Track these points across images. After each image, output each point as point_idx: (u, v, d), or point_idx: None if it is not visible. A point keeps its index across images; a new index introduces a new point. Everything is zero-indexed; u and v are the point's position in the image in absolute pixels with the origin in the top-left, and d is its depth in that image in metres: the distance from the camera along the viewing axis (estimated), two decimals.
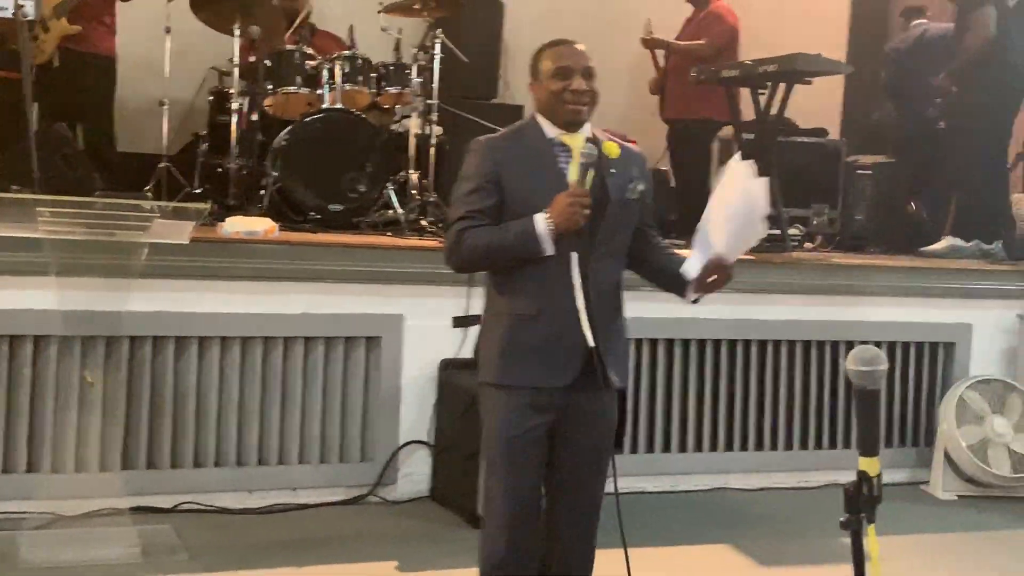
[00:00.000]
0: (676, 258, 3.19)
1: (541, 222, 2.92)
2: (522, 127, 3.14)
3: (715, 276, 3.07)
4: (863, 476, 2.10)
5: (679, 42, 7.29)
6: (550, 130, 3.05)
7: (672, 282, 3.18)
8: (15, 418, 4.42)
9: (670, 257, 3.22)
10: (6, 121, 5.35)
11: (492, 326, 3.10)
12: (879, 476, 2.12)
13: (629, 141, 3.32)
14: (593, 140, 3.03)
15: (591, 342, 2.96)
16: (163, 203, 4.49)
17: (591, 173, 2.96)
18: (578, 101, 3.01)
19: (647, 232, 3.22)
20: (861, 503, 2.09)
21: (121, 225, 4.09)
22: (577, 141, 2.99)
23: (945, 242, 6.57)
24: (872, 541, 2.10)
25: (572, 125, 3.04)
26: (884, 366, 2.19)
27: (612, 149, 3.07)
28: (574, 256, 2.97)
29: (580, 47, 3.08)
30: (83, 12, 5.86)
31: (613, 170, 3.05)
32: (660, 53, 7.53)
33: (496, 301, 3.11)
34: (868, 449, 2.14)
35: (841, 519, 2.10)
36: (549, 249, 2.93)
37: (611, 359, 3.05)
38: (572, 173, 2.96)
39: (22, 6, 4.50)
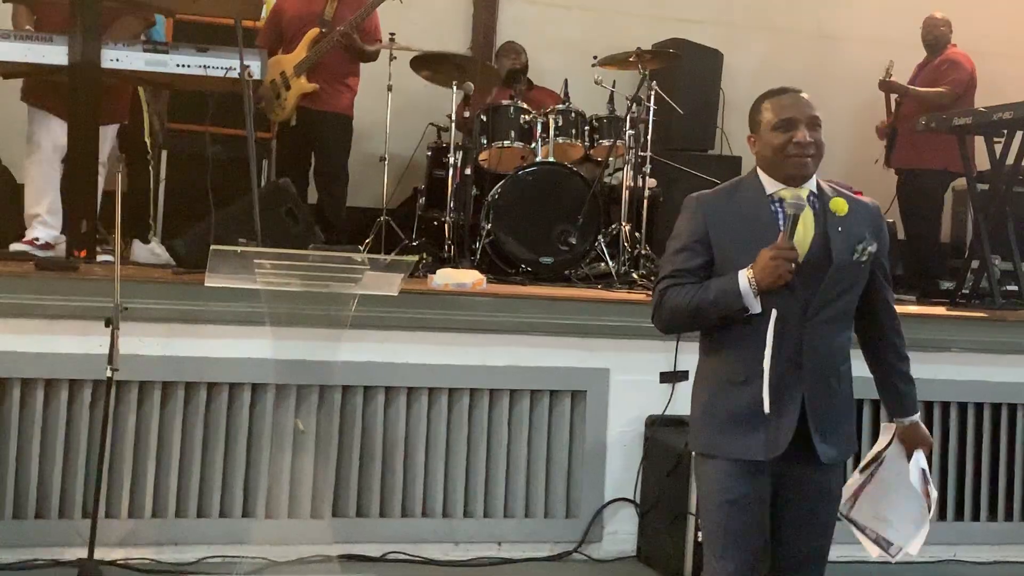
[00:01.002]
0: (900, 390, 3.08)
1: (743, 278, 2.80)
2: (741, 182, 3.01)
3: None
4: None
5: (918, 88, 7.00)
6: (770, 185, 2.90)
7: (885, 400, 3.15)
8: (232, 463, 4.57)
9: (894, 385, 3.09)
10: (239, 177, 5.61)
11: (699, 391, 3.02)
12: None
13: (854, 192, 3.16)
14: (818, 194, 2.88)
15: (767, 409, 2.81)
16: (375, 256, 4.59)
17: (802, 224, 2.82)
18: (802, 154, 2.85)
19: (879, 302, 3.02)
20: None
21: (334, 277, 4.20)
22: (797, 195, 2.84)
23: None
24: None
25: (795, 180, 2.87)
26: None
27: (840, 206, 2.88)
28: (773, 314, 2.82)
29: (804, 96, 2.92)
30: (324, 72, 6.08)
31: (840, 228, 2.87)
32: (893, 98, 7.26)
33: (704, 364, 3.03)
34: None
35: None
36: (754, 307, 2.81)
37: (825, 432, 2.88)
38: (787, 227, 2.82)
39: (247, 66, 4.71)
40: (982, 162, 6.08)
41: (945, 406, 5.21)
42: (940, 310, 5.56)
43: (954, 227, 7.82)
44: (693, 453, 3.07)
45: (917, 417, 3.11)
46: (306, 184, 6.17)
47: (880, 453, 3.10)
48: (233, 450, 4.56)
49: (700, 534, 3.10)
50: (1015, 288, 5.94)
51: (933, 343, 5.06)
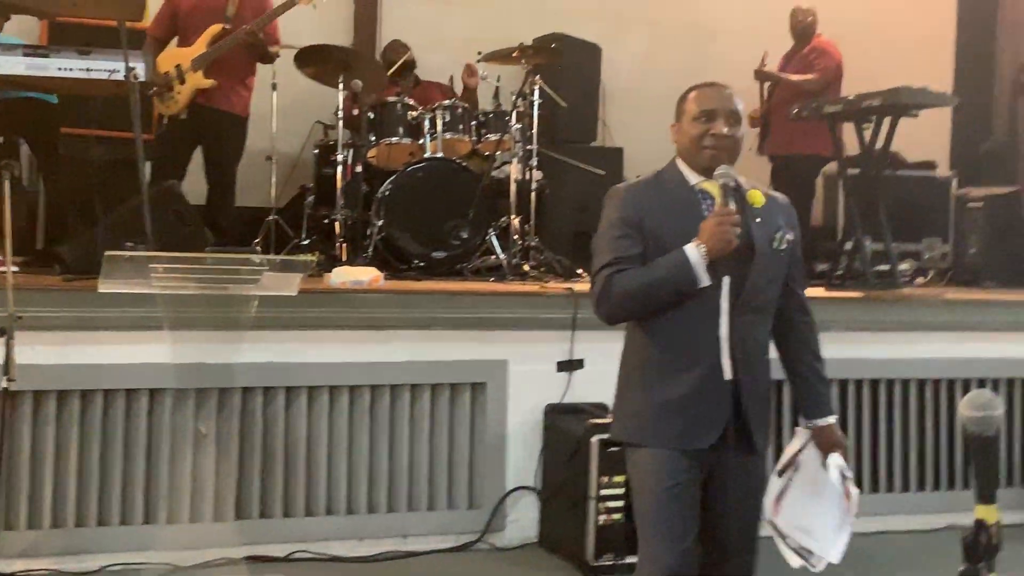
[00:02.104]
0: (817, 390, 3.08)
1: (693, 250, 2.80)
2: (662, 173, 3.02)
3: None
4: (981, 524, 2.02)
5: (791, 76, 7.22)
6: (692, 177, 2.95)
7: (800, 400, 3.14)
8: (132, 470, 4.51)
9: (812, 386, 3.08)
10: (123, 179, 5.52)
11: (630, 379, 3.01)
12: (998, 523, 2.03)
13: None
14: (735, 188, 2.91)
15: (727, 374, 2.85)
16: (272, 256, 4.58)
17: (732, 200, 2.85)
18: (717, 146, 2.91)
19: (793, 298, 3.05)
20: (980, 552, 2.01)
21: (232, 279, 4.19)
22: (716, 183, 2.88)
23: None
24: None
25: (711, 172, 2.91)
26: (1000, 411, 2.11)
27: (757, 197, 2.94)
28: (725, 281, 2.84)
29: (729, 91, 2.98)
30: (222, 70, 5.96)
31: (759, 219, 2.92)
32: (766, 87, 7.46)
33: (634, 354, 3.01)
34: (985, 496, 2.06)
35: (960, 569, 2.02)
36: (704, 279, 2.81)
37: (756, 420, 2.93)
38: (717, 198, 2.85)
39: (133, 69, 4.64)
40: (853, 147, 6.33)
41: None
42: (819, 291, 5.76)
43: (826, 211, 8.09)
44: (622, 445, 3.03)
45: (833, 419, 3.09)
46: (182, 180, 6.05)
47: (794, 457, 3.07)
48: (132, 456, 4.51)
49: (636, 524, 3.01)
50: (887, 268, 6.18)
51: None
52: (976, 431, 2.11)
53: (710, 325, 2.86)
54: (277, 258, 4.44)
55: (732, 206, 2.83)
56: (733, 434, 2.87)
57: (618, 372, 3.07)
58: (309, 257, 4.24)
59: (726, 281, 2.85)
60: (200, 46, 5.91)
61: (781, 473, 3.07)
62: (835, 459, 3.02)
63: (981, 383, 5.58)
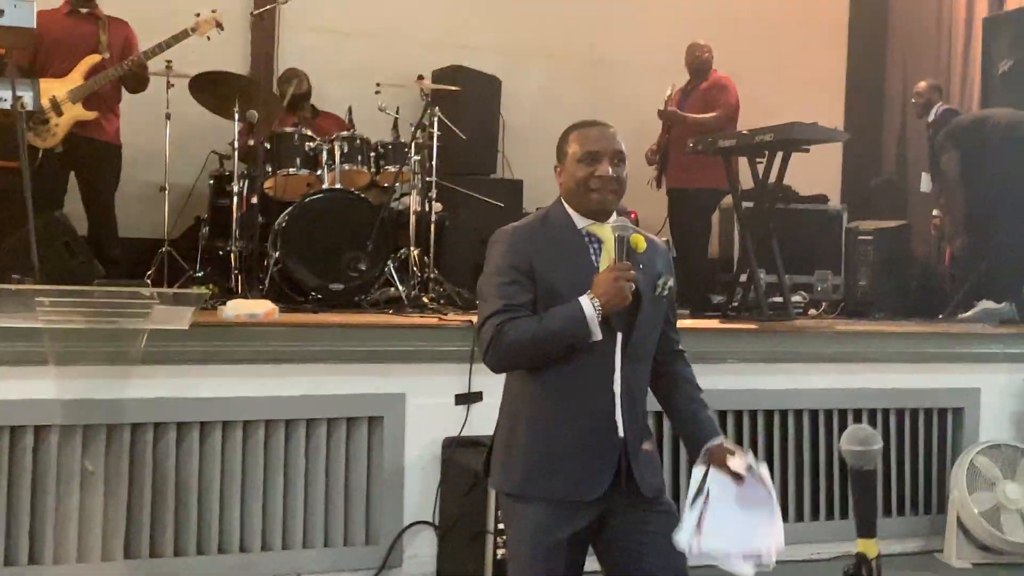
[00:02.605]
0: (699, 417, 3.02)
1: (588, 304, 2.73)
2: (548, 215, 2.94)
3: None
4: (861, 559, 2.05)
5: (695, 116, 7.31)
6: (579, 220, 2.89)
7: (688, 431, 3.06)
8: (16, 510, 4.36)
9: (694, 413, 3.03)
10: (8, 210, 5.37)
11: (512, 427, 2.92)
12: (879, 558, 2.06)
13: (628, 213, 3.27)
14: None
15: (621, 431, 2.80)
16: (163, 290, 4.50)
17: (607, 256, 2.80)
18: (604, 188, 2.84)
19: (669, 339, 3.03)
20: None
21: (121, 313, 4.11)
22: (608, 231, 2.82)
23: (980, 306, 6.58)
24: None
25: (599, 214, 2.87)
26: (878, 445, 2.15)
27: (639, 243, 2.87)
28: (619, 338, 2.80)
29: (612, 129, 2.91)
30: (96, 100, 5.90)
31: (641, 265, 2.86)
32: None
33: (517, 400, 2.92)
34: (866, 530, 2.09)
35: None
36: (598, 333, 2.74)
37: (643, 466, 2.87)
38: (606, 252, 2.81)
39: (20, 97, 4.53)
40: (749, 181, 6.45)
41: (722, 414, 5.46)
42: (714, 323, 5.84)
43: (722, 243, 8.23)
44: (500, 492, 2.95)
45: (722, 439, 3.02)
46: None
47: (702, 484, 2.99)
48: (17, 495, 4.36)
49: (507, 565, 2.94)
50: (780, 300, 6.30)
51: (710, 355, 5.25)
52: (856, 465, 2.14)
53: (603, 379, 2.82)
54: (168, 291, 4.35)
55: (627, 260, 2.79)
56: (623, 482, 2.83)
57: (499, 418, 2.99)
58: (202, 290, 4.16)
59: (619, 336, 2.82)
60: (76, 78, 5.80)
61: (692, 504, 2.99)
62: (737, 460, 2.97)
63: (872, 413, 5.72)
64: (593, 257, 2.85)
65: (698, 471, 3.01)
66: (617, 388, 2.82)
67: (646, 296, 2.85)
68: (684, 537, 2.89)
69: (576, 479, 2.80)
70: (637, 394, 2.89)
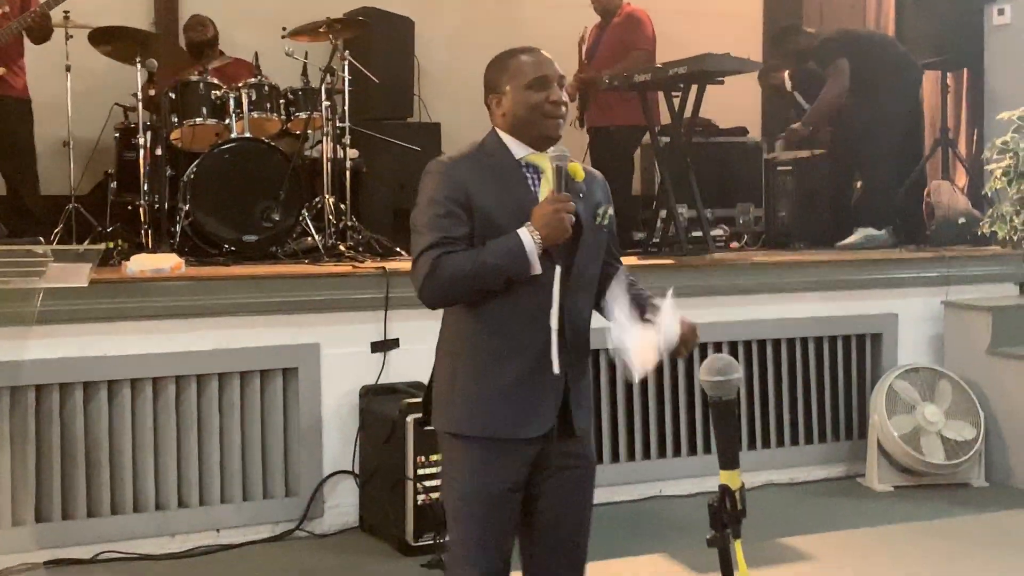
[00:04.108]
0: (635, 287, 2.87)
1: (527, 236, 2.64)
2: (484, 146, 2.81)
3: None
4: (725, 490, 2.00)
5: (615, 70, 7.12)
6: (518, 149, 2.78)
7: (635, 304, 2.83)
8: None
9: (639, 294, 2.87)
10: None
11: (450, 366, 2.81)
12: (742, 488, 2.02)
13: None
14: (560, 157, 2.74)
15: (555, 369, 2.71)
16: (57, 247, 4.37)
17: (547, 184, 2.70)
18: (557, 114, 2.75)
19: (612, 266, 2.93)
20: (725, 518, 1.99)
21: (14, 272, 3.98)
22: (547, 161, 2.71)
23: (859, 233, 6.64)
24: (739, 556, 2.01)
25: (549, 141, 2.76)
26: (738, 375, 2.10)
27: (578, 172, 2.78)
28: (557, 271, 2.71)
29: (548, 55, 2.79)
30: (1, 56, 5.72)
31: (581, 195, 2.78)
32: (584, 56, 7.42)
33: (455, 338, 2.82)
34: (728, 462, 2.05)
35: (707, 537, 2.01)
36: (538, 266, 2.66)
37: (579, 402, 2.80)
38: (546, 182, 2.70)
39: None
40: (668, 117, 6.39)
41: None
42: (633, 259, 5.81)
43: (644, 181, 8.20)
44: (439, 434, 2.85)
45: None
46: None
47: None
48: None
49: (448, 520, 2.84)
50: (700, 234, 6.29)
51: None
52: (716, 395, 2.10)
53: (540, 314, 2.72)
54: (63, 248, 4.22)
55: (565, 191, 2.69)
56: (559, 421, 2.75)
57: (437, 357, 2.89)
58: (98, 247, 4.05)
59: (558, 269, 2.72)
60: None
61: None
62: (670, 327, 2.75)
63: (791, 342, 5.76)
64: (532, 187, 2.75)
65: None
66: (554, 323, 2.71)
67: (587, 225, 2.76)
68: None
69: (516, 416, 2.72)
70: (580, 325, 2.79)
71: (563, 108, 2.77)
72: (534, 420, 2.73)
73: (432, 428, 2.89)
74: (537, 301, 2.72)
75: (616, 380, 5.42)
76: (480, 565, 2.76)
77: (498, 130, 2.82)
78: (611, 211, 2.88)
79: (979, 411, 5.65)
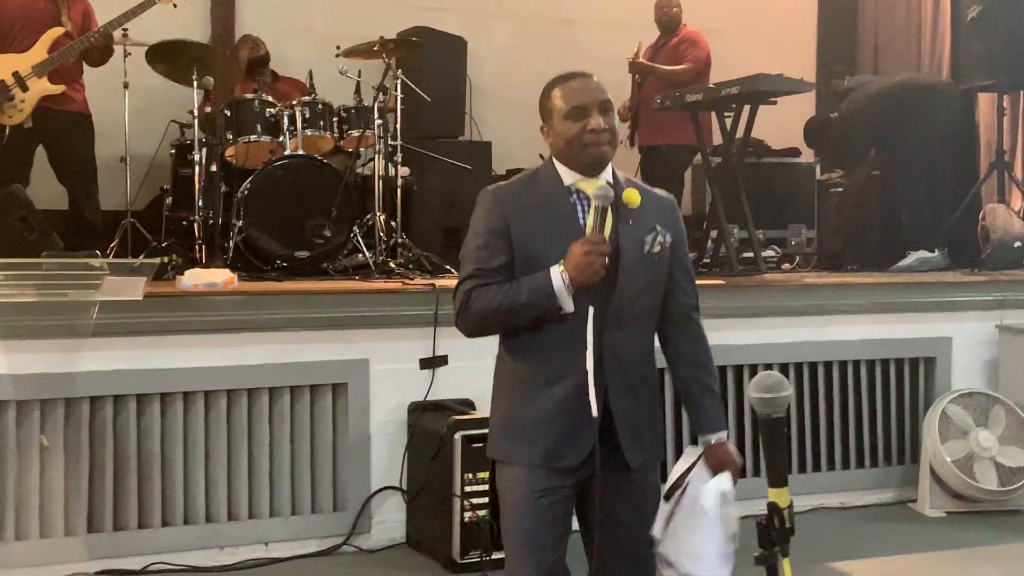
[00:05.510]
0: (700, 391, 2.89)
1: (556, 275, 2.62)
2: (537, 173, 2.82)
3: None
4: (773, 508, 1.98)
5: (665, 67, 7.22)
6: (567, 176, 2.75)
7: (689, 415, 2.95)
8: None
9: (696, 399, 2.90)
10: None
11: (499, 395, 2.86)
12: (791, 507, 2.00)
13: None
14: (613, 185, 2.73)
15: (595, 411, 2.65)
16: (113, 260, 4.43)
17: (611, 218, 2.67)
18: (598, 142, 2.70)
19: (676, 304, 2.86)
20: (774, 536, 1.97)
21: (71, 285, 4.05)
22: (593, 190, 2.68)
23: (913, 256, 6.57)
24: (788, 574, 1.99)
25: (597, 167, 2.73)
26: (787, 392, 2.08)
27: (633, 197, 2.72)
28: (590, 311, 2.65)
29: (595, 79, 2.76)
30: (62, 73, 5.80)
31: (631, 221, 2.73)
32: (636, 79, 7.46)
33: (504, 367, 2.84)
34: (776, 479, 2.03)
35: (755, 555, 1.99)
36: (568, 306, 2.63)
37: (631, 435, 2.75)
38: (590, 219, 2.66)
39: None
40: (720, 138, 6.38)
41: None
42: None
43: (695, 200, 8.19)
44: (494, 461, 2.87)
45: (724, 435, 2.86)
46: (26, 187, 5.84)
47: (683, 477, 2.82)
48: None
49: (504, 543, 2.87)
50: (751, 255, 6.26)
51: None
52: (765, 413, 2.08)
53: (576, 352, 2.68)
54: (119, 262, 4.29)
55: (606, 232, 2.66)
56: (603, 453, 2.70)
57: (493, 386, 2.91)
58: (153, 261, 4.11)
59: (591, 310, 2.66)
60: (40, 52, 5.70)
61: (668, 497, 2.82)
62: (719, 482, 2.76)
63: (843, 365, 5.69)
64: (580, 215, 2.72)
65: (684, 461, 2.86)
66: (589, 365, 2.66)
67: (630, 258, 2.72)
68: (657, 529, 2.78)
69: (550, 447, 2.72)
70: (629, 360, 2.75)
71: (605, 135, 2.72)
72: (568, 452, 2.72)
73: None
74: (571, 339, 2.68)
75: (665, 399, 5.39)
76: (524, 570, 2.77)
77: (553, 158, 2.82)
78: (664, 240, 2.79)
79: None
